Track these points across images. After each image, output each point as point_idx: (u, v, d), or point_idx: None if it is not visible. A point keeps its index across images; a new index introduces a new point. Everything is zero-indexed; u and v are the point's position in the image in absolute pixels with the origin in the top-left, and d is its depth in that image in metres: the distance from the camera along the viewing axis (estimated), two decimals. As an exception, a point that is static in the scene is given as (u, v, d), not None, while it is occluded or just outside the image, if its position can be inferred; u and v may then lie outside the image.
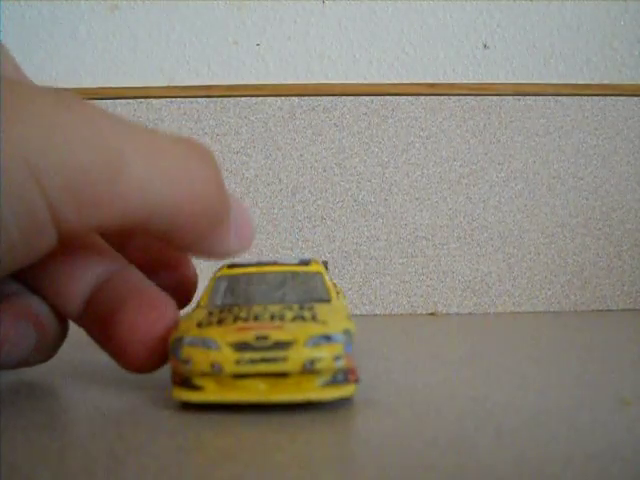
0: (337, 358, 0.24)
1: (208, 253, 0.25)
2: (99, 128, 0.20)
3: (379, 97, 0.57)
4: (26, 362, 0.26)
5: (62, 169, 0.19)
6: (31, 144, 0.19)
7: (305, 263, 0.29)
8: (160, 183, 0.21)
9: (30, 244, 0.20)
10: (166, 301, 0.25)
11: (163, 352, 0.24)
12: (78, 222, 0.20)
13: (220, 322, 0.24)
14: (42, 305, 0.26)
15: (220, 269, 0.29)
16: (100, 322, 0.25)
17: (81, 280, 0.25)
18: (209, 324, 0.24)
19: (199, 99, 0.57)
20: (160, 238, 0.23)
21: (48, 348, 0.26)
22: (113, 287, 0.25)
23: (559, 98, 0.58)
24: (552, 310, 0.57)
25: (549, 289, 0.58)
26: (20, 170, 0.18)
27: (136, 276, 0.26)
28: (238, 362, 0.22)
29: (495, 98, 0.58)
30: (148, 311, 0.24)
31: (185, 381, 0.23)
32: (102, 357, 0.27)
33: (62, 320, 0.27)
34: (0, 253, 0.19)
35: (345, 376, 0.24)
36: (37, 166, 0.19)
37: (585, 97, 0.58)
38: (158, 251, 0.29)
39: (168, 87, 0.57)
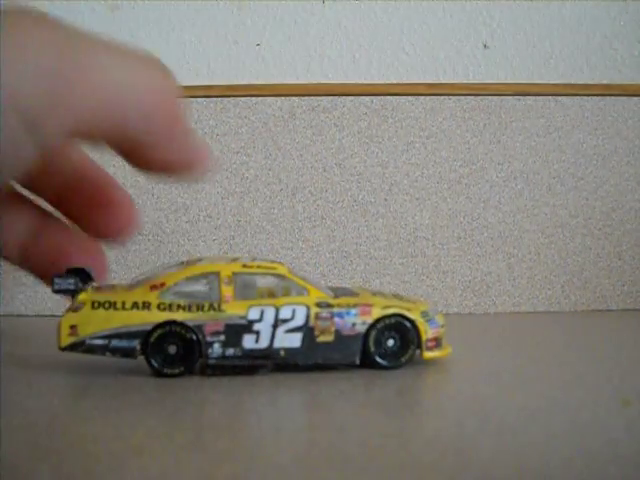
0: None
1: (163, 156, 0.25)
2: (61, 32, 0.20)
3: (379, 97, 0.57)
4: None
5: (32, 73, 0.19)
6: None
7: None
8: (130, 78, 0.21)
9: (8, 159, 0.20)
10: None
11: None
12: (54, 126, 0.20)
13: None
14: None
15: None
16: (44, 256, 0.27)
17: (15, 227, 0.27)
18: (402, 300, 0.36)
19: (199, 99, 0.57)
20: (113, 140, 0.24)
21: None
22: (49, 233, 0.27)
23: (559, 98, 0.58)
24: (552, 310, 0.57)
25: (549, 289, 0.58)
26: None
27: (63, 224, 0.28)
28: None
29: (495, 98, 0.57)
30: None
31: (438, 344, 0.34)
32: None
33: None
34: None
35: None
36: (6, 77, 0.19)
37: (585, 97, 0.58)
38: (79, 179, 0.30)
39: (168, 87, 0.57)
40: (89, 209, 0.29)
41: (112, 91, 0.21)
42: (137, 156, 0.25)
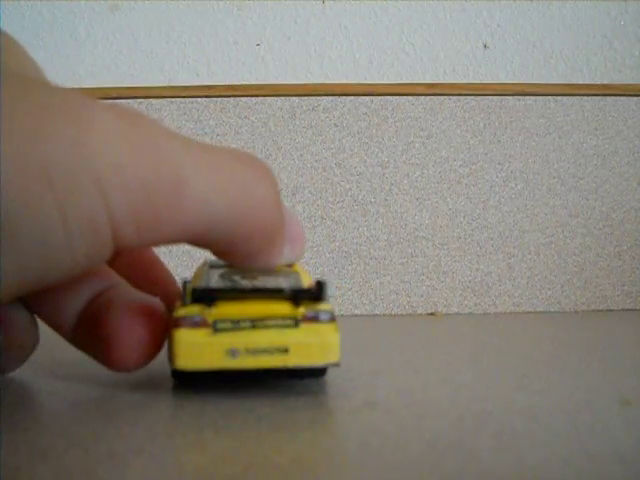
0: None
1: (263, 265, 0.25)
2: (159, 143, 0.19)
3: (379, 97, 0.57)
4: None
5: (128, 186, 0.18)
6: (102, 160, 0.18)
7: None
8: (219, 199, 0.21)
9: (90, 261, 0.19)
10: (154, 306, 0.25)
11: (149, 351, 0.25)
12: (137, 239, 0.19)
13: None
14: (21, 310, 0.26)
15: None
16: (90, 328, 0.25)
17: (76, 296, 0.26)
18: None
19: (199, 99, 0.57)
20: (216, 252, 0.24)
21: (14, 355, 0.27)
22: (105, 299, 0.26)
23: (559, 98, 0.58)
24: (552, 310, 0.57)
25: (549, 289, 0.58)
26: (90, 188, 0.18)
27: (127, 287, 0.27)
28: None
29: (495, 98, 0.58)
30: (135, 315, 0.25)
31: None
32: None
33: (34, 331, 0.27)
34: (62, 270, 0.19)
35: None
36: (107, 183, 0.18)
37: (585, 97, 0.58)
38: (144, 269, 0.29)
39: (168, 87, 0.57)
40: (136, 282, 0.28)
41: (209, 208, 0.20)
42: (226, 256, 0.24)
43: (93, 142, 0.18)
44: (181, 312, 0.24)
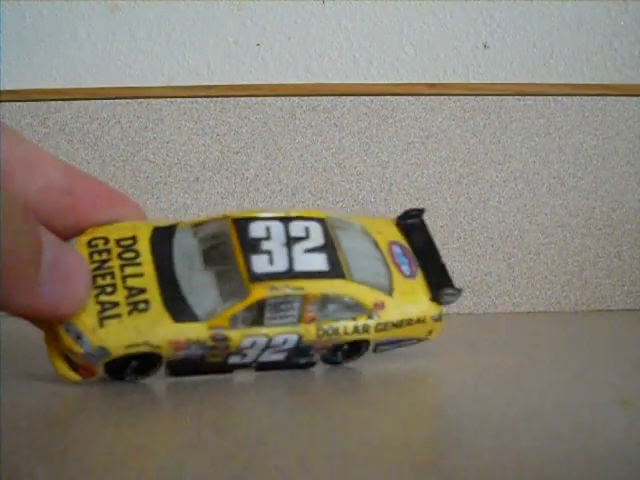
0: None
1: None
2: None
3: (379, 97, 0.57)
4: None
5: None
6: None
7: None
8: None
9: None
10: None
11: None
12: None
13: None
14: None
15: None
16: None
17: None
18: None
19: (199, 99, 0.57)
20: None
21: None
22: None
23: (559, 98, 0.58)
24: (552, 310, 0.57)
25: (549, 289, 0.58)
26: None
27: None
28: None
29: (495, 98, 0.57)
30: None
31: None
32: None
33: None
34: None
35: None
36: None
37: (585, 97, 0.58)
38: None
39: (168, 87, 0.57)
40: None
41: None
42: None
43: None
44: None
